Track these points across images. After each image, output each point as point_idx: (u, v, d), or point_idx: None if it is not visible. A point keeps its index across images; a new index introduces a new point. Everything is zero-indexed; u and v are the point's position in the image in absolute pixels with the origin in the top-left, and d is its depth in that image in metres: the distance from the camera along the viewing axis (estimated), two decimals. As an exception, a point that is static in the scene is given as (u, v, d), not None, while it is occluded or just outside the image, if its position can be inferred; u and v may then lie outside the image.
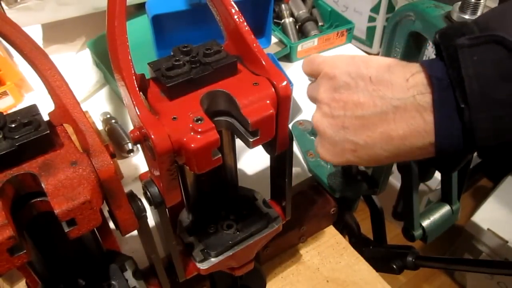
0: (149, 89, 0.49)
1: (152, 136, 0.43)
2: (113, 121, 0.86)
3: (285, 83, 0.48)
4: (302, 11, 1.14)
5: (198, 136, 0.44)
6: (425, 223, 0.84)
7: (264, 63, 0.49)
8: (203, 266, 0.57)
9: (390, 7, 1.83)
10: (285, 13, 1.14)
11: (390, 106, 0.41)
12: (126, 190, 0.48)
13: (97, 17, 0.95)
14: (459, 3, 0.63)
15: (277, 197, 0.67)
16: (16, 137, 0.42)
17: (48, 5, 0.92)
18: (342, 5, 1.93)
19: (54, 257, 0.53)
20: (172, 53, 0.51)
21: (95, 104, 0.95)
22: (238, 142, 0.54)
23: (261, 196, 0.63)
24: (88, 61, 0.99)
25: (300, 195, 0.81)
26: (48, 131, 0.43)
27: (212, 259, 0.57)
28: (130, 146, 0.82)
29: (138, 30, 0.92)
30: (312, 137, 0.85)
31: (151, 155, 0.45)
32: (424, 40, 0.74)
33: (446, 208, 0.86)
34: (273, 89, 0.48)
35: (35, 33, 1.06)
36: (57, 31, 1.06)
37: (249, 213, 0.61)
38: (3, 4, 0.91)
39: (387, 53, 0.78)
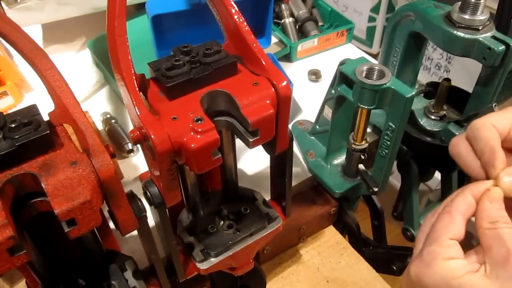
0: (149, 89, 0.49)
1: (152, 136, 0.43)
2: (113, 121, 0.86)
3: (285, 83, 0.48)
4: (302, 11, 1.14)
5: (198, 136, 0.44)
6: (425, 223, 0.84)
7: (264, 63, 0.49)
8: (203, 266, 0.57)
9: (390, 7, 1.82)
10: (285, 13, 1.14)
11: None
12: (126, 190, 0.48)
13: (97, 17, 0.95)
14: (459, 3, 0.63)
15: (277, 197, 0.67)
16: (16, 137, 0.42)
17: (48, 5, 0.92)
18: (342, 5, 1.92)
19: (54, 257, 0.53)
20: (172, 53, 0.51)
21: (95, 104, 0.95)
22: (238, 142, 0.54)
23: (261, 196, 0.63)
24: (88, 61, 0.99)
25: (300, 195, 0.81)
26: (48, 131, 0.43)
27: (212, 259, 0.57)
28: (130, 146, 0.82)
29: (138, 30, 0.92)
30: (312, 137, 0.85)
31: (151, 155, 0.45)
32: (424, 40, 0.74)
33: (446, 208, 0.86)
34: (273, 89, 0.48)
35: (35, 33, 1.06)
36: (57, 31, 1.06)
37: (249, 213, 0.61)
38: (3, 4, 0.91)
39: (387, 53, 0.78)
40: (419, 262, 0.42)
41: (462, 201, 0.44)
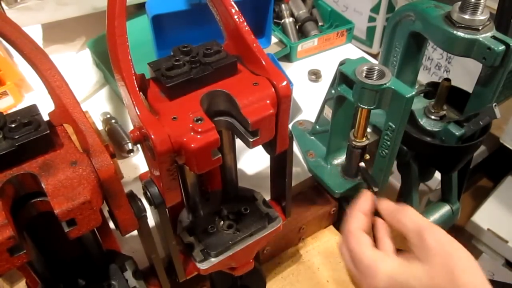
0: (149, 89, 0.49)
1: (152, 136, 0.43)
2: (113, 121, 0.86)
3: (285, 83, 0.48)
4: (302, 11, 1.14)
5: (198, 136, 0.44)
6: (425, 223, 0.84)
7: (264, 63, 0.49)
8: (203, 266, 0.57)
9: (390, 7, 1.82)
10: (285, 13, 1.14)
11: None
12: (126, 190, 0.48)
13: (97, 17, 0.95)
14: (459, 3, 0.63)
15: (277, 197, 0.67)
16: (16, 137, 0.42)
17: (48, 5, 0.92)
18: (342, 5, 1.92)
19: (54, 257, 0.53)
20: (172, 53, 0.51)
21: (95, 104, 0.95)
22: (238, 142, 0.54)
23: (261, 196, 0.63)
24: (88, 61, 0.99)
25: (300, 195, 0.81)
26: (48, 131, 0.43)
27: (212, 259, 0.57)
28: (130, 146, 0.82)
29: (138, 30, 0.92)
30: (312, 137, 0.85)
31: (151, 155, 0.45)
32: (424, 40, 0.74)
33: (446, 208, 0.86)
34: (273, 89, 0.48)
35: (35, 33, 1.06)
36: (57, 31, 1.06)
37: (249, 213, 0.61)
38: (3, 4, 0.91)
39: (387, 53, 0.78)
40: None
41: (356, 218, 0.57)
